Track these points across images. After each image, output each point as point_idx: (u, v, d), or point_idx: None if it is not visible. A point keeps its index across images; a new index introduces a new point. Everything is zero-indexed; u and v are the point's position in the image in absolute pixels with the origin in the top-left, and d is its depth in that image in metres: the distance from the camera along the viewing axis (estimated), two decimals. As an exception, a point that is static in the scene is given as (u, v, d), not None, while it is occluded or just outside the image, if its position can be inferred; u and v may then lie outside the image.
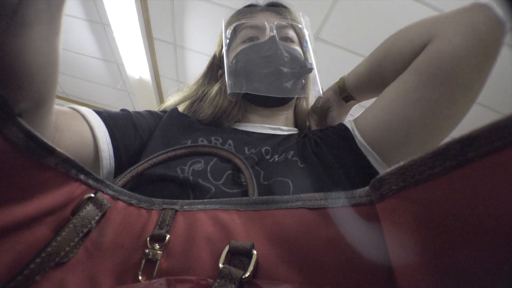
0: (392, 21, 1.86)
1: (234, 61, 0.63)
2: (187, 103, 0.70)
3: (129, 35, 2.26)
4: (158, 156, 0.47)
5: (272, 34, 0.63)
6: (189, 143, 0.52)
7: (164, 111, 0.66)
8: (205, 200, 0.33)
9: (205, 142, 0.53)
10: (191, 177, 0.43)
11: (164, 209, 0.32)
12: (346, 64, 2.25)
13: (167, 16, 2.21)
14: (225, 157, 0.47)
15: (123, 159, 0.50)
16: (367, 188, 0.25)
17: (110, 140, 0.48)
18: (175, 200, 0.34)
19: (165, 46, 2.54)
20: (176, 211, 0.32)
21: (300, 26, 0.68)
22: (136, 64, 2.62)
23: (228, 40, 0.66)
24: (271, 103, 0.65)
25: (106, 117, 0.50)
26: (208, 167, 0.46)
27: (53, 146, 0.26)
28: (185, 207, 0.32)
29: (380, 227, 0.23)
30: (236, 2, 1.96)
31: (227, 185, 0.43)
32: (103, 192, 0.32)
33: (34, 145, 0.25)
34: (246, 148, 0.54)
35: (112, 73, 3.08)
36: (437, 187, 0.18)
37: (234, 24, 0.66)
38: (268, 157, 0.52)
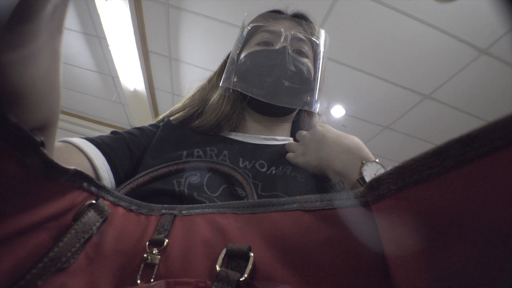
0: (384, 34, 1.91)
1: (242, 60, 0.62)
2: (186, 110, 0.68)
3: (125, 47, 2.28)
4: (156, 170, 0.47)
5: (285, 44, 0.61)
6: (184, 154, 0.52)
7: (155, 125, 0.65)
8: (203, 204, 0.34)
9: (201, 153, 0.53)
10: (186, 191, 0.44)
11: (163, 214, 0.33)
12: (338, 77, 2.29)
13: (163, 30, 2.24)
14: (227, 172, 0.47)
15: (123, 182, 0.50)
16: (362, 189, 0.26)
17: (109, 167, 0.48)
18: (174, 206, 0.34)
19: (160, 59, 2.57)
20: (175, 216, 0.33)
21: (317, 42, 0.66)
22: (131, 76, 2.64)
23: (243, 39, 0.66)
24: (271, 112, 0.64)
25: (101, 143, 0.49)
26: (204, 180, 0.46)
27: (68, 168, 0.27)
28: (183, 211, 0.33)
29: (376, 228, 0.23)
30: (229, 16, 2.01)
31: (221, 198, 0.44)
32: (104, 198, 0.33)
33: (52, 172, 0.25)
34: (241, 160, 0.54)
35: (107, 85, 3.09)
36: (437, 187, 0.18)
37: (252, 25, 0.66)
38: (264, 169, 0.52)
